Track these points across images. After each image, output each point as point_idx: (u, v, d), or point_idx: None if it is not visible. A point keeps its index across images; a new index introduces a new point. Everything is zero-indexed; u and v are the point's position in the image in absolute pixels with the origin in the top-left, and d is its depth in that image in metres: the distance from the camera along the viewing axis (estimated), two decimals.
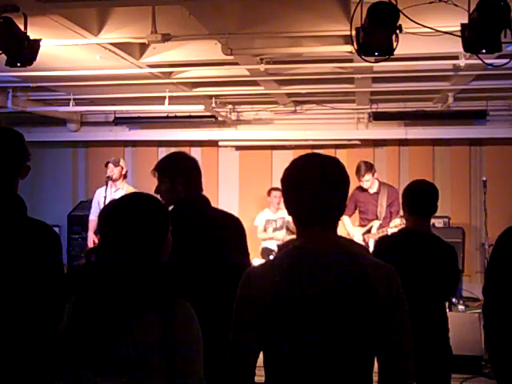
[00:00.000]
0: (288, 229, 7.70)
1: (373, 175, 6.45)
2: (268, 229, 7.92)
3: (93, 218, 6.85)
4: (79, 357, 1.75)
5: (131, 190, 6.61)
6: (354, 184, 6.30)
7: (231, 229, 2.95)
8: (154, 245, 1.82)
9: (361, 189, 6.55)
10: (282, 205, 7.40)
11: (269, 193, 7.91)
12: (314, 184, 1.73)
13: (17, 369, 2.06)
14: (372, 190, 6.50)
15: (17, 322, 2.07)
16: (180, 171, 2.98)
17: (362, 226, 6.65)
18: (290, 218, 1.84)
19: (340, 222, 1.85)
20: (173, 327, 1.71)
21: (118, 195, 6.35)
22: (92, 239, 6.64)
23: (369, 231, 6.52)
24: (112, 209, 1.88)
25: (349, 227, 6.70)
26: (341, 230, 7.17)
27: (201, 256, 2.78)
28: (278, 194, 7.63)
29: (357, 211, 6.78)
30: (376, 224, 6.44)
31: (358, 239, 6.38)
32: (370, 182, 6.44)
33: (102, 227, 1.85)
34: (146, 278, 1.76)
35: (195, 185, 3.00)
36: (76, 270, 2.56)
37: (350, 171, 6.94)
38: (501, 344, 2.48)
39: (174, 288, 1.79)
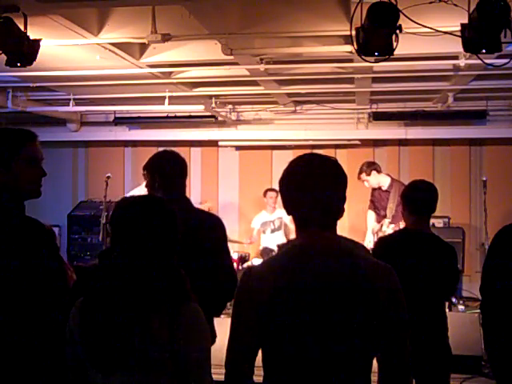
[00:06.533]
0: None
1: (367, 175, 6.53)
2: (266, 230, 7.88)
3: None
4: (89, 357, 1.75)
5: None
6: (355, 183, 6.30)
7: (212, 229, 2.94)
8: (165, 247, 1.82)
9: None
10: (278, 205, 7.42)
11: (265, 194, 7.88)
12: (313, 184, 1.73)
13: (22, 367, 2.06)
14: (384, 188, 6.60)
15: (18, 321, 2.07)
16: (156, 168, 3.00)
17: (378, 221, 6.80)
18: (287, 218, 1.84)
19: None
20: (179, 328, 1.72)
21: None
22: None
23: (381, 229, 6.65)
24: (124, 211, 1.85)
25: (369, 223, 6.86)
26: (362, 224, 7.07)
27: (182, 256, 2.76)
28: (274, 194, 7.66)
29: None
30: (386, 222, 6.53)
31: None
32: (367, 183, 6.56)
33: (113, 229, 1.83)
34: (156, 281, 1.76)
35: (175, 185, 2.99)
36: (88, 271, 2.56)
37: (350, 171, 6.90)
38: (499, 342, 2.48)
39: (184, 290, 1.80)
